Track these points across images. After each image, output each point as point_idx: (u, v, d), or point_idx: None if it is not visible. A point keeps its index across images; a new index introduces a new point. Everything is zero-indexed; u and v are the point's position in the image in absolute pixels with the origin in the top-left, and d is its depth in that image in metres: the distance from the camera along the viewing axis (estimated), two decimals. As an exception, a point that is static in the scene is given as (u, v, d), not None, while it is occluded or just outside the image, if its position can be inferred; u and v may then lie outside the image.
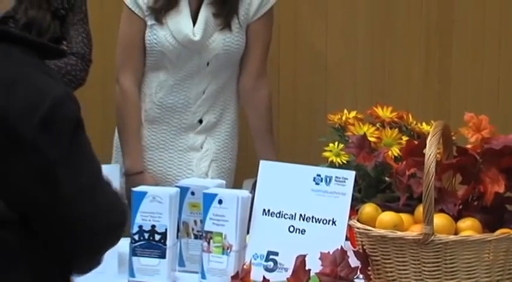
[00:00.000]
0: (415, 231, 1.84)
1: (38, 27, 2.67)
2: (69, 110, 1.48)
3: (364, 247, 1.90)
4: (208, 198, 2.14)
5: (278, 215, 2.13)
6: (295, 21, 3.48)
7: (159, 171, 3.01)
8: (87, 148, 1.52)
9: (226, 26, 2.93)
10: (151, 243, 2.15)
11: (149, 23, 2.94)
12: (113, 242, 1.60)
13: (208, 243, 2.14)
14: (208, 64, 2.95)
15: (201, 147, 3.01)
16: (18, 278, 1.48)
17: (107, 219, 1.54)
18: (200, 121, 3.01)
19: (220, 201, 2.14)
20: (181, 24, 2.92)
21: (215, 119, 3.01)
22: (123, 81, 2.98)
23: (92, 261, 1.60)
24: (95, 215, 1.51)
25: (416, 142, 2.02)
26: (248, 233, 2.15)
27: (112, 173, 2.14)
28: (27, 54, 1.49)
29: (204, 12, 2.92)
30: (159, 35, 2.93)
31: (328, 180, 2.10)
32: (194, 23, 2.92)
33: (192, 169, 2.99)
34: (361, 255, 1.90)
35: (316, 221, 2.09)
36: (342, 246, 1.95)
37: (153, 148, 3.01)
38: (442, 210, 1.89)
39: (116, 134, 3.06)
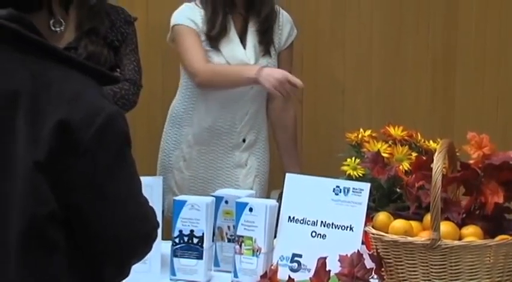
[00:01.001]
0: (423, 237, 1.82)
1: (96, 60, 2.66)
2: (120, 125, 1.49)
3: (378, 250, 1.89)
4: (240, 207, 2.14)
5: (302, 222, 2.12)
6: (316, 51, 3.48)
7: (210, 187, 2.93)
8: (130, 163, 1.51)
9: (267, 52, 2.93)
10: (190, 246, 2.15)
11: (205, 48, 2.90)
12: (143, 251, 1.57)
13: (240, 246, 2.13)
14: (252, 87, 2.93)
15: (246, 164, 2.99)
16: (64, 277, 1.48)
17: (139, 228, 1.52)
18: (244, 140, 2.99)
19: (250, 209, 2.13)
20: (235, 51, 2.89)
21: (254, 137, 2.99)
22: (199, 67, 2.86)
23: (121, 269, 1.55)
24: (128, 222, 1.50)
25: (424, 158, 2.01)
26: (275, 237, 2.14)
27: (155, 184, 2.15)
28: (86, 78, 1.51)
29: (251, 40, 2.91)
30: (214, 61, 2.89)
31: (346, 191, 2.09)
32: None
33: (239, 184, 2.96)
34: (376, 258, 1.89)
35: (335, 227, 2.08)
36: (358, 250, 1.94)
37: (204, 167, 2.97)
38: (447, 218, 1.87)
39: (160, 156, 3.04)
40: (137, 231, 1.52)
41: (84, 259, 1.49)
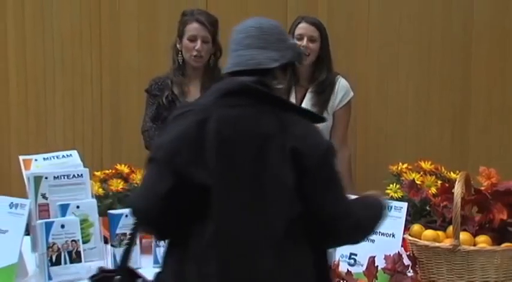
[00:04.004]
0: (447, 243, 1.81)
1: None
2: (332, 153, 1.54)
3: (413, 252, 1.88)
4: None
5: (357, 230, 2.11)
6: (366, 106, 3.47)
7: None
8: (339, 177, 1.55)
9: (320, 111, 2.91)
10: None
11: None
12: (356, 236, 1.61)
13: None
14: None
15: None
16: (307, 255, 1.52)
17: (347, 221, 1.54)
18: None
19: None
20: None
21: None
22: None
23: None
24: (339, 217, 1.52)
25: (447, 185, 2.00)
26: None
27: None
28: (306, 119, 1.57)
29: (306, 103, 2.90)
30: None
31: (389, 208, 2.07)
32: None
33: None
34: (411, 258, 1.88)
35: (381, 234, 2.05)
36: (398, 251, 1.93)
37: None
38: (465, 230, 1.86)
39: None
40: (345, 223, 1.54)
41: (313, 242, 1.53)
